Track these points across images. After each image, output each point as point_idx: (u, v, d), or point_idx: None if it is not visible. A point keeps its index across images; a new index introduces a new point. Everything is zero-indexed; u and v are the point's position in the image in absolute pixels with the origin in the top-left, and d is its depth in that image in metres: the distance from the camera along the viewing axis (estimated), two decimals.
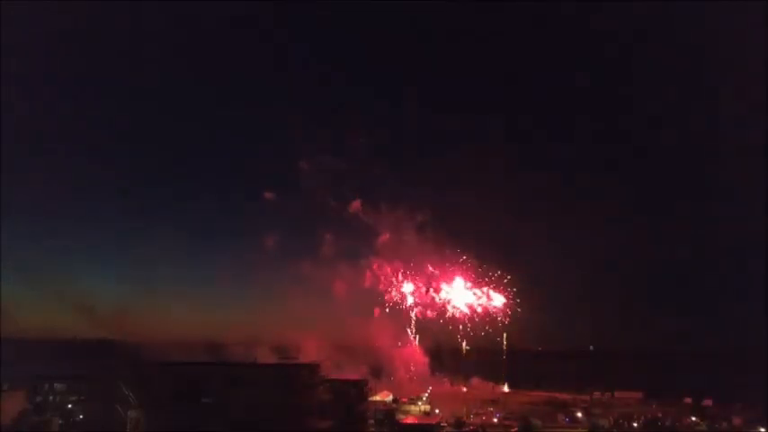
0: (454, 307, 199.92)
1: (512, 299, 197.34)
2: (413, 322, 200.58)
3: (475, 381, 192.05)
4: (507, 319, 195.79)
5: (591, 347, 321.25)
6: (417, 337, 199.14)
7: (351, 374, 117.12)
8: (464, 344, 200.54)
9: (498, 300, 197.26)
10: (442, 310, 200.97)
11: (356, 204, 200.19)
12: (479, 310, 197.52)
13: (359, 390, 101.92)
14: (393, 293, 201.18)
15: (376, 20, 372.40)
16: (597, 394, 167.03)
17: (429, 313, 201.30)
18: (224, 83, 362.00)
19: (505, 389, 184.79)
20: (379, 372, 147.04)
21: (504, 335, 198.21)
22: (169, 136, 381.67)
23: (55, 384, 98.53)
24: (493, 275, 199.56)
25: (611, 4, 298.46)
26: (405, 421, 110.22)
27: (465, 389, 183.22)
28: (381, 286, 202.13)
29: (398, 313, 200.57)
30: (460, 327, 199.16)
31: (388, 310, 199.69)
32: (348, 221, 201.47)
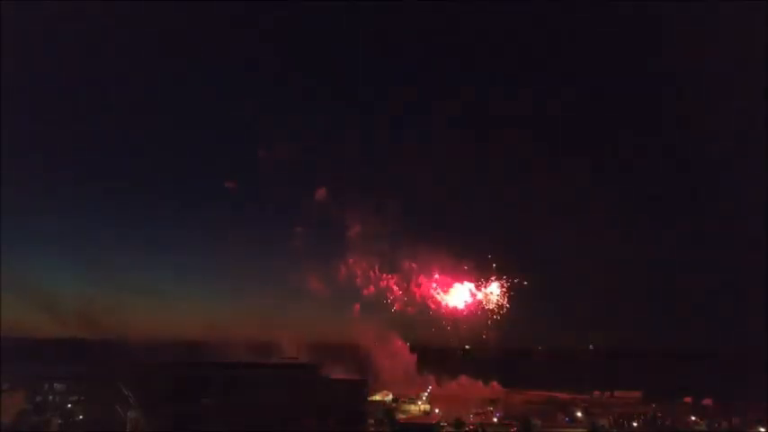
0: (437, 303, 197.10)
1: (505, 296, 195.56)
2: (394, 319, 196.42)
3: (463, 379, 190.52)
4: (496, 317, 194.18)
5: (591, 347, 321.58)
6: (401, 334, 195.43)
7: (332, 373, 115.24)
8: (458, 340, 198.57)
9: (491, 296, 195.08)
10: (423, 306, 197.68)
11: (327, 195, 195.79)
12: (461, 306, 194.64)
13: (359, 390, 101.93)
14: (372, 289, 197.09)
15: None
16: (597, 394, 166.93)
17: (410, 309, 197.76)
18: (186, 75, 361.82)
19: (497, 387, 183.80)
20: (362, 371, 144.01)
21: (491, 333, 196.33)
22: (147, 134, 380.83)
23: (55, 384, 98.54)
24: (486, 273, 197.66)
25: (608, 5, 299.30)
26: (404, 420, 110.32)
27: (465, 388, 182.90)
28: (359, 282, 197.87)
29: (379, 309, 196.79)
30: (446, 324, 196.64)
31: (366, 306, 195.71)
32: (322, 215, 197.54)
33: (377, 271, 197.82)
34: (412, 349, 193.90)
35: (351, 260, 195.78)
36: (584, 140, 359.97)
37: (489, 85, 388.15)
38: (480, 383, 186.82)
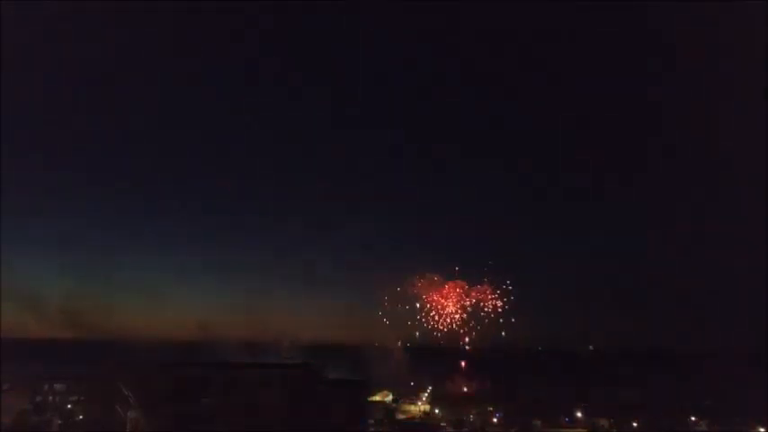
0: (431, 302, 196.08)
1: (502, 296, 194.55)
2: (388, 318, 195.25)
3: (459, 379, 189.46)
4: (493, 317, 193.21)
5: (591, 347, 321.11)
6: (395, 333, 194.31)
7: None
8: (454, 340, 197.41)
9: (485, 295, 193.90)
10: (417, 305, 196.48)
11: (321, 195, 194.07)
12: (455, 305, 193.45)
13: (359, 390, 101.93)
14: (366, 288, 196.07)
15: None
16: (597, 394, 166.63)
17: (403, 308, 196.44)
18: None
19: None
20: (356, 371, 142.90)
21: (488, 333, 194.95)
22: (143, 134, 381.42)
23: (55, 384, 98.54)
24: (481, 272, 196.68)
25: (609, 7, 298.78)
26: (404, 420, 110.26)
27: (464, 388, 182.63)
28: (353, 281, 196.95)
29: (373, 309, 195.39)
30: (442, 324, 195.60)
31: (360, 305, 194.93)
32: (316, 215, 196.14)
33: (371, 270, 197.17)
34: (406, 349, 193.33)
35: (346, 259, 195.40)
36: (583, 142, 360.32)
37: (486, 88, 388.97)
38: (478, 383, 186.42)
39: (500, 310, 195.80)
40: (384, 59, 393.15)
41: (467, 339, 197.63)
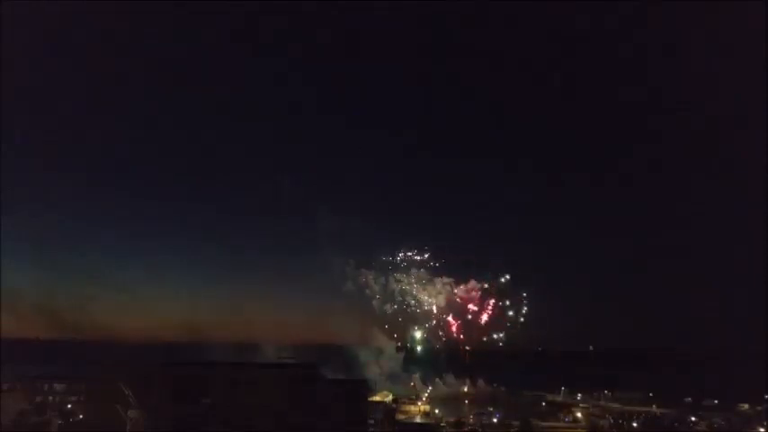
0: (419, 302, 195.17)
1: (501, 297, 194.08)
2: (377, 316, 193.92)
3: (449, 379, 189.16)
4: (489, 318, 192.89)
5: (591, 347, 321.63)
6: (385, 332, 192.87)
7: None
8: (454, 340, 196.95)
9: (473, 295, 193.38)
10: (403, 304, 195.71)
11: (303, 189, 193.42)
12: (441, 304, 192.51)
13: (359, 390, 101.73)
14: (349, 285, 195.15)
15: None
16: (597, 394, 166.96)
17: (389, 307, 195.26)
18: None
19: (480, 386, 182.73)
20: (347, 371, 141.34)
21: (484, 333, 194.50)
22: (132, 134, 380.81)
23: (55, 384, 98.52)
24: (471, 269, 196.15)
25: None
26: (404, 420, 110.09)
27: (465, 389, 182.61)
28: (339, 280, 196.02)
29: (361, 307, 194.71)
30: (432, 322, 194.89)
31: (348, 304, 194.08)
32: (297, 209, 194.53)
33: (353, 266, 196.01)
34: (399, 348, 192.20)
35: (330, 257, 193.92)
36: (583, 142, 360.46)
37: (487, 88, 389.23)
38: (469, 382, 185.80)
39: (499, 309, 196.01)
40: (383, 59, 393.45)
41: (465, 339, 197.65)
